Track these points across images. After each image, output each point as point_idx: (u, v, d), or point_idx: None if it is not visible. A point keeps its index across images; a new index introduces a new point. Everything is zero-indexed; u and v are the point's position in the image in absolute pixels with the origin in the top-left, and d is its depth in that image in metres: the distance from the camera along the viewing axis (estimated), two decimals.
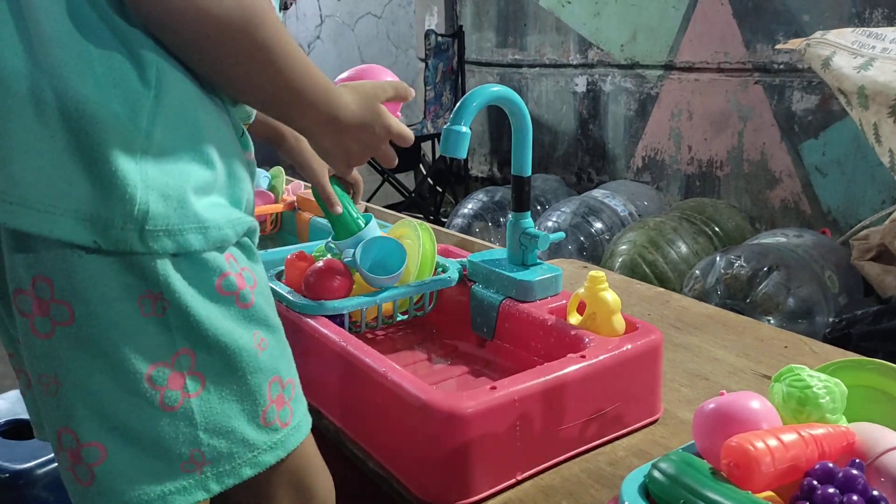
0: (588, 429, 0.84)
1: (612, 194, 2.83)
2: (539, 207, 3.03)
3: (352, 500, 1.01)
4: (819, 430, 0.57)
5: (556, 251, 2.57)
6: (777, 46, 2.04)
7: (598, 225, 2.67)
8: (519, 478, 0.79)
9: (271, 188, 1.63)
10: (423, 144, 4.22)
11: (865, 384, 0.66)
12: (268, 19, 0.58)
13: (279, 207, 1.58)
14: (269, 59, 0.59)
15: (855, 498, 0.52)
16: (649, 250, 2.32)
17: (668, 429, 0.90)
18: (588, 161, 3.57)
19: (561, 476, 0.80)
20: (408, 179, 4.34)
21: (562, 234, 1.11)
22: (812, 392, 0.59)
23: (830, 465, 0.55)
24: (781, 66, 2.67)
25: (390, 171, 4.03)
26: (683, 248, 2.35)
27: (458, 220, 3.05)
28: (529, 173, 1.03)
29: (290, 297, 0.99)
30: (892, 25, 2.01)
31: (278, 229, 1.61)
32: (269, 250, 1.30)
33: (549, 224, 2.66)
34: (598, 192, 2.87)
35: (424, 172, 4.36)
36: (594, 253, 2.59)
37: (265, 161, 1.84)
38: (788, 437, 0.55)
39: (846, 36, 1.77)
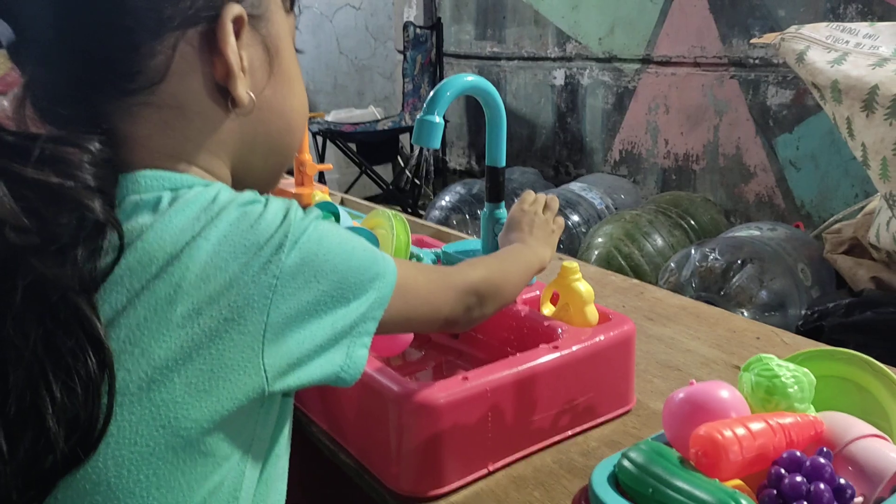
0: (560, 419, 0.84)
1: (590, 187, 2.84)
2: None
3: (323, 493, 1.00)
4: (787, 419, 0.58)
5: None
6: (752, 41, 2.05)
7: (575, 218, 2.68)
8: (491, 468, 0.79)
9: None
10: (401, 137, 4.21)
11: (834, 374, 0.66)
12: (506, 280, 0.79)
13: None
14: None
15: (822, 486, 0.52)
16: (625, 243, 2.33)
17: (640, 419, 0.90)
18: (566, 154, 3.58)
19: (533, 467, 0.80)
20: (386, 172, 4.32)
21: None
22: (780, 381, 0.59)
23: (798, 453, 0.55)
24: (757, 61, 2.69)
25: (368, 164, 4.02)
26: (659, 241, 2.36)
27: (436, 213, 3.04)
28: (504, 164, 1.03)
29: None
30: (865, 20, 2.03)
31: None
32: None
33: None
34: (575, 186, 2.88)
35: (403, 165, 4.35)
36: (571, 245, 2.60)
37: None
38: (756, 426, 0.55)
39: (820, 31, 1.78)
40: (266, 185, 0.62)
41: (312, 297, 0.52)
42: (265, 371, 0.50)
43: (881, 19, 2.15)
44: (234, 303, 0.48)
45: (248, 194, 0.54)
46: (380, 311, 0.57)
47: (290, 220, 0.52)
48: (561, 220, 0.98)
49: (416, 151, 3.94)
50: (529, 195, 1.00)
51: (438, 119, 0.88)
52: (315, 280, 0.52)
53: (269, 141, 0.59)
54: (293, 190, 1.50)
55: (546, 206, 0.98)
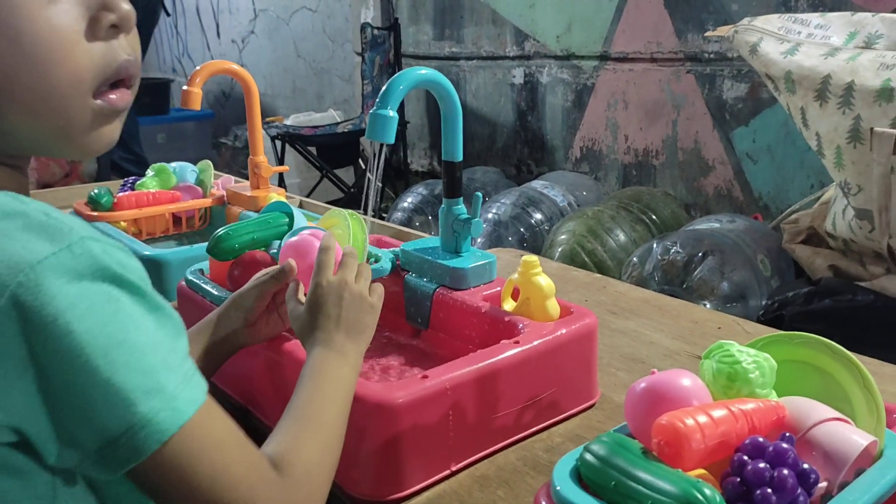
0: (524, 416, 0.83)
1: (552, 185, 2.84)
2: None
3: None
4: (749, 405, 0.57)
5: (496, 241, 2.56)
6: (706, 34, 2.07)
7: (538, 216, 2.67)
8: (453, 469, 0.77)
9: (199, 182, 1.57)
10: (361, 139, 4.17)
11: (795, 358, 0.66)
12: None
13: (208, 202, 1.53)
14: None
15: (785, 472, 0.51)
16: (588, 239, 2.33)
17: (604, 413, 0.89)
18: (527, 153, 3.58)
19: (496, 465, 0.79)
20: (347, 175, 4.29)
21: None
22: (741, 367, 0.59)
23: (761, 439, 0.54)
24: (712, 56, 2.72)
25: (328, 167, 3.98)
26: (622, 237, 2.37)
27: (398, 214, 3.02)
28: (461, 158, 1.01)
29: (215, 293, 0.95)
30: (816, 12, 2.06)
31: (207, 224, 1.56)
32: (198, 245, 1.25)
33: (489, 216, 2.66)
34: (537, 184, 2.88)
35: (364, 167, 4.31)
36: (534, 243, 2.60)
37: (194, 155, 1.79)
38: (718, 413, 0.54)
39: (773, 22, 1.80)
40: (40, 149, 0.55)
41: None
42: None
43: (832, 10, 2.18)
44: None
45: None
46: (142, 443, 0.47)
47: (32, 269, 0.44)
48: (380, 287, 0.80)
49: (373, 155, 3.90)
50: (329, 257, 0.76)
51: (392, 113, 0.86)
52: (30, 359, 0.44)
53: None
54: (248, 193, 1.47)
55: (358, 274, 0.77)
